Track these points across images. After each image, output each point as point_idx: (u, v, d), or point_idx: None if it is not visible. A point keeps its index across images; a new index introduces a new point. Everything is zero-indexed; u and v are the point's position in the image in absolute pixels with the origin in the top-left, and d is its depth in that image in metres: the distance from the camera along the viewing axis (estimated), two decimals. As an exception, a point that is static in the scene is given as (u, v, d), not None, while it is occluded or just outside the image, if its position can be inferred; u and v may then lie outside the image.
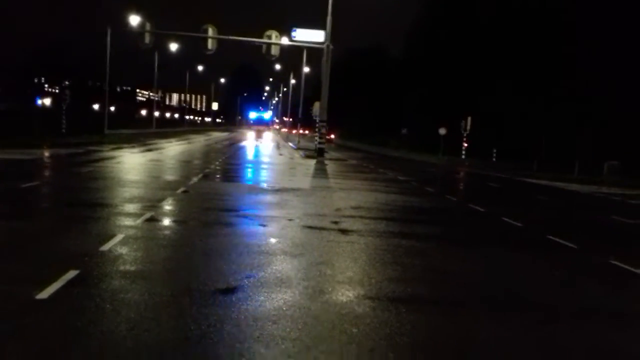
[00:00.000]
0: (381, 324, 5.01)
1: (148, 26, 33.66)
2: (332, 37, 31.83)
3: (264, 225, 9.52)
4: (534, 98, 40.70)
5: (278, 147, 46.23)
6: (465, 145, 40.28)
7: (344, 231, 9.34)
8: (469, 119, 39.64)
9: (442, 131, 42.13)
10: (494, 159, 40.08)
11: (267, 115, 62.56)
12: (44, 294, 5.16)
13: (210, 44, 33.11)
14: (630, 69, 35.42)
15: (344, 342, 4.56)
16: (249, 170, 22.16)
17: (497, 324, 5.34)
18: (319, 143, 32.90)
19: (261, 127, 52.30)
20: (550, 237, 10.31)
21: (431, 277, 6.91)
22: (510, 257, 8.59)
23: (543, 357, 4.68)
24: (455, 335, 4.98)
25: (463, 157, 40.17)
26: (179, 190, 13.36)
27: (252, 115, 60.29)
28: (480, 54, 47.00)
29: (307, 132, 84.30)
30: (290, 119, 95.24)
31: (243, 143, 36.18)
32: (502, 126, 41.78)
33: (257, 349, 4.31)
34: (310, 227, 9.54)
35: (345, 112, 75.13)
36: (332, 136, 70.69)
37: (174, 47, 50.25)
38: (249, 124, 57.61)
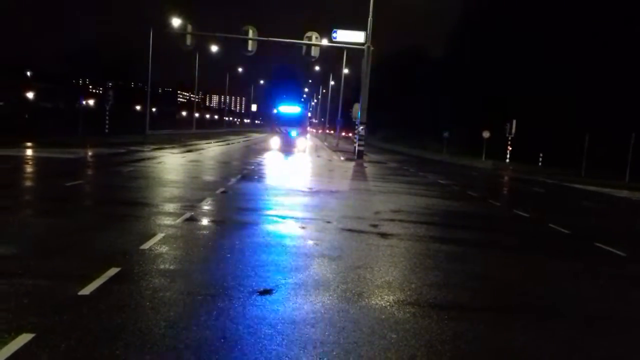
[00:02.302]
0: (422, 331, 4.87)
1: (189, 28, 34.14)
2: (373, 38, 31.64)
3: (302, 227, 9.46)
4: (583, 99, 39.53)
5: (316, 149, 46.24)
6: (510, 149, 39.37)
7: (383, 235, 9.20)
8: (514, 121, 38.66)
9: (486, 134, 41.33)
10: (540, 164, 39.07)
11: (298, 109, 41.71)
12: (85, 291, 5.24)
13: (250, 45, 33.36)
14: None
15: (383, 348, 4.45)
16: (287, 171, 22.18)
17: (538, 333, 5.13)
18: (359, 145, 32.73)
19: (294, 130, 39.34)
20: (599, 244, 9.94)
21: (473, 283, 6.71)
22: (556, 265, 8.30)
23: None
24: (497, 344, 4.82)
25: (507, 161, 39.29)
26: (218, 191, 13.45)
27: (282, 109, 40.81)
28: (525, 53, 45.99)
29: (346, 134, 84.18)
30: (326, 120, 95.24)
31: (281, 145, 36.28)
32: (549, 130, 40.59)
33: (295, 352, 4.24)
34: (349, 230, 9.44)
35: (385, 114, 74.66)
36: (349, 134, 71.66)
37: (214, 48, 50.89)
38: (276, 124, 40.52)
